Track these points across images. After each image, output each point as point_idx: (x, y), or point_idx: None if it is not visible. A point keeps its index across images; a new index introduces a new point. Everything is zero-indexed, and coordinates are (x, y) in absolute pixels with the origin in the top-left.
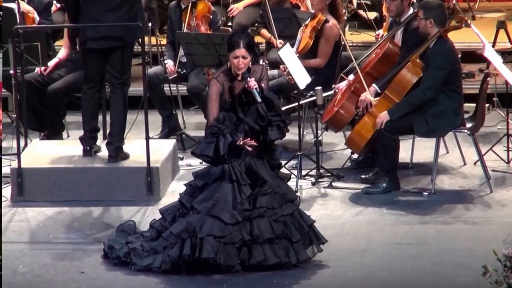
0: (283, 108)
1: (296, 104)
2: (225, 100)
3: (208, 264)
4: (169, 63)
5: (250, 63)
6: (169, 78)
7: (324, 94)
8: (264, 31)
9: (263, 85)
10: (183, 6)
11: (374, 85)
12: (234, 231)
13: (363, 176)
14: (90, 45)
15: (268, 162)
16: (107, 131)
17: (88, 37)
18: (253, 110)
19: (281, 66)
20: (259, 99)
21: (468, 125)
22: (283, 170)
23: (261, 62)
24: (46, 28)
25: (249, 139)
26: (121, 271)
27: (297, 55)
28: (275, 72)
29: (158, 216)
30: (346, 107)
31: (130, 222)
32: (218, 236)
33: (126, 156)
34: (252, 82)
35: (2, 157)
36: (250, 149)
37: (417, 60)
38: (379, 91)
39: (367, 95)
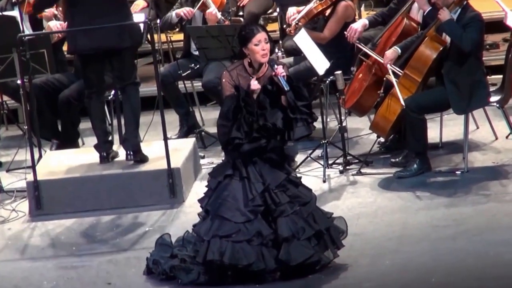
0: None
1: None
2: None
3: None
4: (186, 8)
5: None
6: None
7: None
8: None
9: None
10: None
11: (395, 47)
12: (245, 228)
13: (393, 160)
14: (85, 51)
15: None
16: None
17: (83, 44)
18: (275, 110)
19: (287, 29)
20: (286, 87)
21: (497, 97)
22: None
23: (276, 50)
24: (51, 34)
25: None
26: (150, 281)
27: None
28: (291, 59)
29: (183, 218)
30: (369, 91)
31: (165, 236)
32: (223, 236)
33: (145, 159)
34: (280, 69)
35: (17, 171)
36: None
37: (435, 34)
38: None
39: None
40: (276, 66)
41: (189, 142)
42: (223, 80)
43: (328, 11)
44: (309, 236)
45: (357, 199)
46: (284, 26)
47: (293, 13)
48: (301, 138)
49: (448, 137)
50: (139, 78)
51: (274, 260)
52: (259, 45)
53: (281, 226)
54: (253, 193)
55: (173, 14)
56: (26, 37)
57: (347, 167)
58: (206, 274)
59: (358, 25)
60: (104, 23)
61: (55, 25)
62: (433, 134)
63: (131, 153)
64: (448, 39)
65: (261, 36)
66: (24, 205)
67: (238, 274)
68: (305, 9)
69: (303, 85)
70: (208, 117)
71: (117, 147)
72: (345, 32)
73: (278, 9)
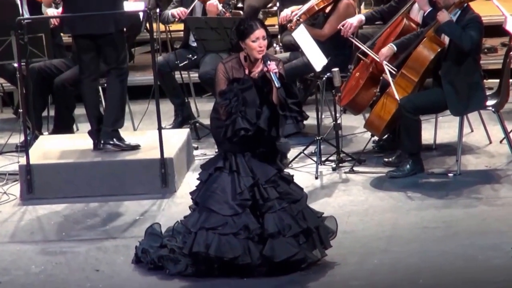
0: None
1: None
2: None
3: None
4: (180, 8)
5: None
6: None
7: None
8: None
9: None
10: None
11: (391, 44)
12: (232, 222)
13: (386, 160)
14: (80, 31)
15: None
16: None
17: (78, 24)
18: (265, 110)
19: (288, 25)
20: (278, 84)
21: (492, 102)
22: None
23: (274, 44)
24: (50, 19)
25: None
26: (138, 270)
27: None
28: (287, 54)
29: (173, 209)
30: (365, 89)
31: (155, 225)
32: (209, 228)
33: (132, 147)
34: (273, 66)
35: (10, 154)
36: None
37: (433, 35)
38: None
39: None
40: (269, 62)
41: (183, 132)
42: (218, 73)
43: (328, 8)
44: (295, 233)
45: (348, 197)
46: (276, 26)
47: (287, 14)
48: (290, 135)
49: (442, 139)
50: (128, 64)
51: (259, 255)
52: (256, 42)
53: (267, 221)
54: (241, 186)
55: (169, 14)
56: (25, 21)
57: (340, 165)
58: (193, 266)
59: (354, 20)
60: (95, 8)
61: (53, 13)
62: (427, 136)
63: (102, 142)
64: (446, 40)
65: (259, 33)
66: (15, 189)
67: (224, 267)
68: (306, 5)
69: (300, 80)
70: (203, 108)
71: None
72: (340, 27)
73: (278, 4)
